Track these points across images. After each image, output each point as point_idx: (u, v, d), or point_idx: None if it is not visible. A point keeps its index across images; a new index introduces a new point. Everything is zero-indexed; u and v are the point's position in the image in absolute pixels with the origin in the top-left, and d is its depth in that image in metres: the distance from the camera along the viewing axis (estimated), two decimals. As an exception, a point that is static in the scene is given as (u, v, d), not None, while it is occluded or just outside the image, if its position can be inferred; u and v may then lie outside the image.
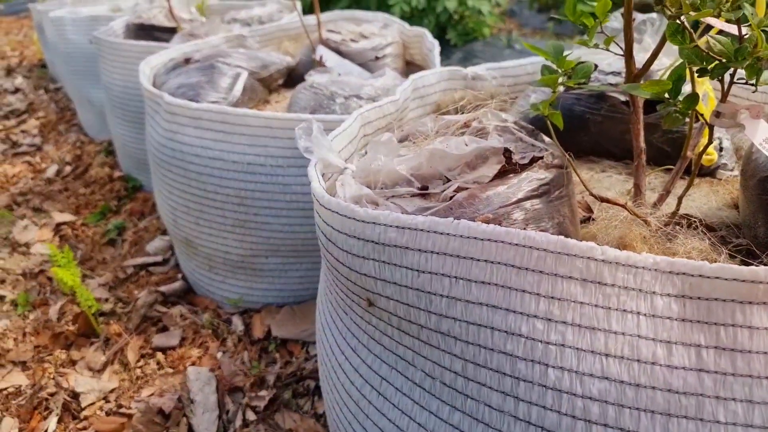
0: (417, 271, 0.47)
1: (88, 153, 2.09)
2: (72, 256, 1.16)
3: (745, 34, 0.46)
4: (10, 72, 3.66)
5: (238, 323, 1.16)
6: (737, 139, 0.77)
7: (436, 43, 1.19)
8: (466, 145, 0.54)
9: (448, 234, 0.45)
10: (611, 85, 0.73)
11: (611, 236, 0.52)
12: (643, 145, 0.59)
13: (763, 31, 0.47)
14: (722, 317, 0.41)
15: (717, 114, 0.48)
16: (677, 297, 0.42)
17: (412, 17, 2.58)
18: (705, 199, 0.67)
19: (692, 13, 0.45)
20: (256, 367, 1.05)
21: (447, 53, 2.49)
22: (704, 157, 0.61)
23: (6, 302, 1.35)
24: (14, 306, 1.34)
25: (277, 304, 1.17)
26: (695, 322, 0.42)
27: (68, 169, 1.99)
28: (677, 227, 0.56)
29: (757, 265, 0.51)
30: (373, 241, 0.48)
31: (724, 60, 0.44)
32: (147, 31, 1.75)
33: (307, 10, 1.89)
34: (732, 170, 0.73)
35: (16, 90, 3.25)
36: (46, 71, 3.48)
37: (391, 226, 0.47)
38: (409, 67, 1.35)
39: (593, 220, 0.62)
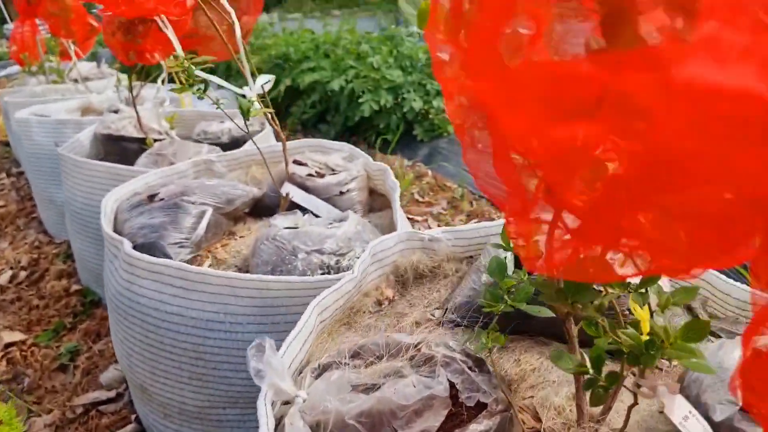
0: None
1: (46, 256, 2.02)
2: (14, 414, 1.09)
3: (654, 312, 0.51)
4: (-29, 149, 3.57)
5: (191, 479, 1.10)
6: (676, 323, 0.82)
7: (396, 183, 1.24)
8: (414, 386, 0.55)
9: None
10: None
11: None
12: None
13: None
14: None
15: (637, 386, 0.52)
16: None
17: (380, 113, 2.69)
18: (650, 402, 0.70)
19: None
20: None
21: (414, 148, 2.59)
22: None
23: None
24: (-53, 451, 1.24)
25: (234, 455, 1.12)
26: None
27: (23, 274, 1.92)
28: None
29: None
30: None
31: (635, 352, 0.47)
32: (114, 141, 1.76)
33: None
34: (672, 360, 0.77)
35: (-23, 171, 3.17)
36: (9, 150, 3.42)
37: (335, 503, 0.47)
38: (372, 196, 1.39)
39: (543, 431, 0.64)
